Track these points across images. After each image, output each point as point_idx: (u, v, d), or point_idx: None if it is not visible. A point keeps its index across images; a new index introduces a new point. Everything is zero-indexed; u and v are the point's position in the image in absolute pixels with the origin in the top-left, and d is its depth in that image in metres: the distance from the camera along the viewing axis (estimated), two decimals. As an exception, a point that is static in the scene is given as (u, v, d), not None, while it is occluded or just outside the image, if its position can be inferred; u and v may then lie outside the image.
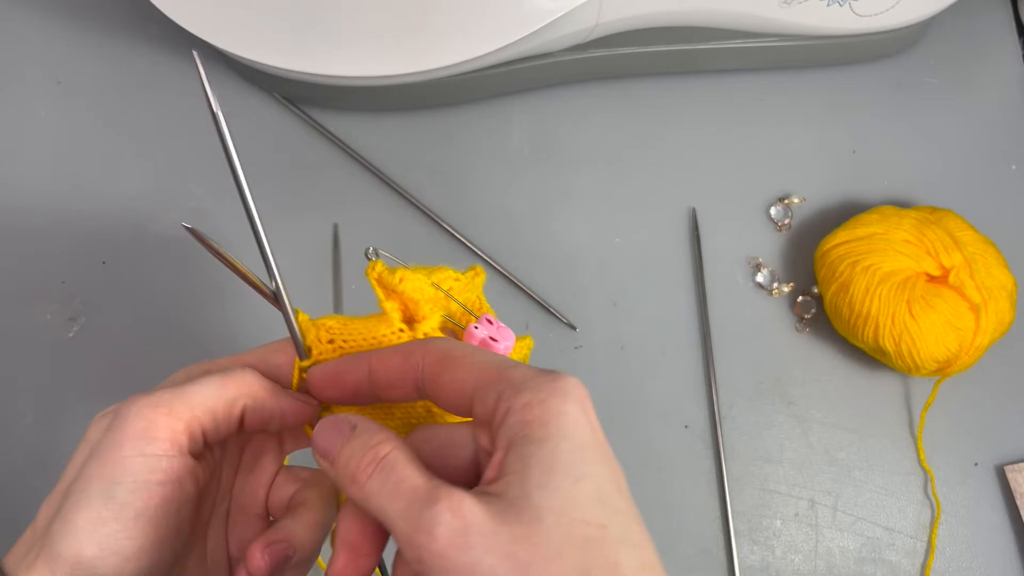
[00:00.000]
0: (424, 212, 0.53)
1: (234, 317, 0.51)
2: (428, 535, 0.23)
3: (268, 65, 0.48)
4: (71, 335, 0.51)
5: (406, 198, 0.53)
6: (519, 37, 0.46)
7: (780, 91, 0.57)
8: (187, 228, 0.30)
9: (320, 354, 0.32)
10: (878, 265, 0.48)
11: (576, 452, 0.24)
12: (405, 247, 0.53)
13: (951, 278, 0.48)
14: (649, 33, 0.51)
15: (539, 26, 0.46)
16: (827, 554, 0.49)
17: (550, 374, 0.25)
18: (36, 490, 0.29)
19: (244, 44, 0.47)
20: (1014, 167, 0.56)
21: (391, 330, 0.32)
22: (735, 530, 0.49)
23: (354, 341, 0.32)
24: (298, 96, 0.54)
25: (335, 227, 0.51)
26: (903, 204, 0.54)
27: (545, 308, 0.52)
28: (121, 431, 0.27)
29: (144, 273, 0.52)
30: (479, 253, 0.52)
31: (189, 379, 0.30)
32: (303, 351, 0.32)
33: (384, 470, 0.25)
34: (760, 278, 0.53)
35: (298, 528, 0.30)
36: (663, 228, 0.54)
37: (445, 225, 0.53)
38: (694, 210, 0.54)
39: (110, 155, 0.54)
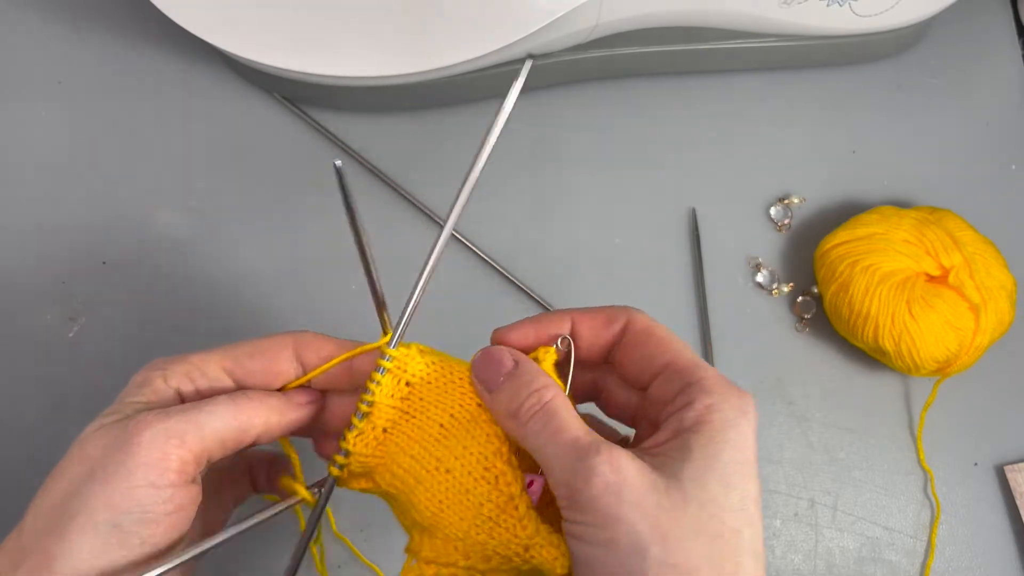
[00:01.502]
0: (424, 212, 0.53)
1: (234, 317, 0.52)
2: (585, 481, 0.25)
3: (268, 65, 0.48)
4: (71, 335, 0.51)
5: (406, 198, 0.53)
6: (519, 37, 0.46)
7: (780, 91, 0.57)
8: (336, 168, 0.31)
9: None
10: (878, 265, 0.48)
11: (733, 465, 0.27)
12: (405, 247, 0.53)
13: (951, 278, 0.48)
14: (649, 33, 0.51)
15: (539, 26, 0.46)
16: (827, 554, 0.49)
17: (736, 389, 0.28)
18: (36, 490, 0.29)
19: (244, 44, 0.47)
20: (1014, 167, 0.56)
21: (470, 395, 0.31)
22: (735, 530, 0.49)
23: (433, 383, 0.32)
24: (298, 96, 0.54)
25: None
26: (903, 204, 0.54)
27: (545, 308, 0.52)
28: (133, 458, 0.27)
29: (144, 273, 0.52)
30: (479, 253, 0.52)
31: (196, 399, 0.30)
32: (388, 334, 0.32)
33: (547, 414, 0.28)
34: (760, 278, 0.53)
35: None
36: (663, 228, 0.54)
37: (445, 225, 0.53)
38: (694, 210, 0.54)
39: (110, 155, 0.54)
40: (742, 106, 0.57)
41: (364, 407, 0.31)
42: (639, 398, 0.32)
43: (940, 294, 0.47)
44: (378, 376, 0.31)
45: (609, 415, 0.34)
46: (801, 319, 0.53)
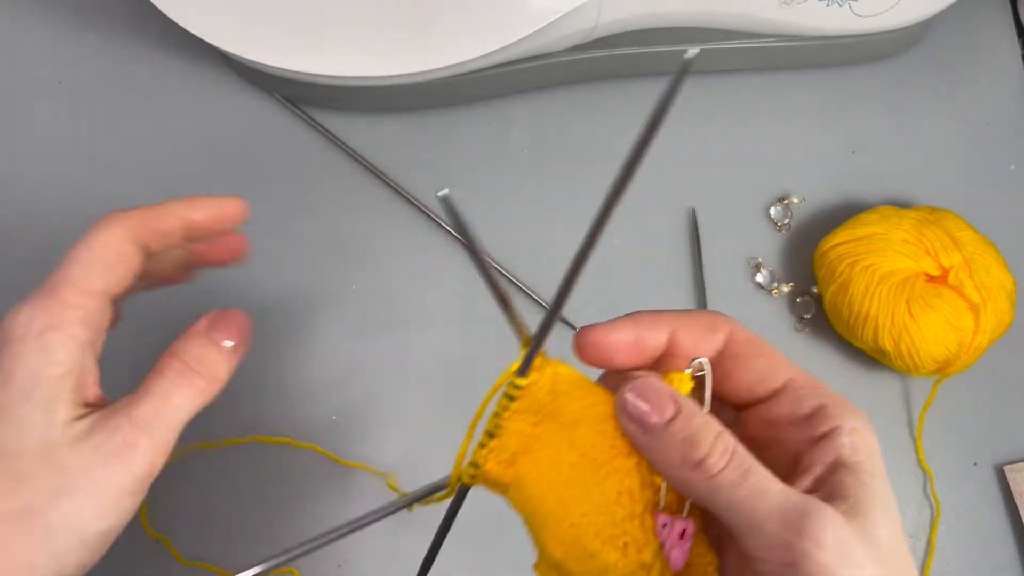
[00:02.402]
0: (424, 212, 0.53)
1: (234, 317, 0.51)
2: (815, 543, 0.23)
3: (268, 65, 0.48)
4: (71, 335, 0.51)
5: (406, 198, 0.53)
6: (519, 37, 0.46)
7: (780, 91, 0.57)
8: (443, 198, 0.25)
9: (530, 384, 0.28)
10: (877, 265, 0.48)
11: (891, 493, 0.26)
12: (405, 247, 0.53)
13: (950, 278, 0.48)
14: (649, 33, 0.51)
15: (539, 26, 0.46)
16: (827, 554, 0.49)
17: (854, 404, 0.27)
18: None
19: (244, 44, 0.47)
20: (1014, 167, 0.56)
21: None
22: (735, 530, 0.49)
23: (570, 398, 0.28)
24: (298, 96, 0.54)
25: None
26: (903, 204, 0.54)
27: (545, 308, 0.52)
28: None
29: (144, 273, 0.52)
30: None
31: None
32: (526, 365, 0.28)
33: (743, 466, 0.25)
34: (760, 278, 0.53)
35: None
36: (663, 228, 0.54)
37: (445, 225, 0.53)
38: (694, 210, 0.54)
39: (110, 155, 0.54)
40: (742, 106, 0.57)
41: (492, 429, 0.28)
42: (729, 415, 0.29)
43: (940, 294, 0.47)
44: (507, 403, 0.27)
45: None
46: (801, 319, 0.53)
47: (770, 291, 0.53)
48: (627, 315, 0.28)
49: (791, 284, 0.53)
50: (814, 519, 0.23)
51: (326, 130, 0.54)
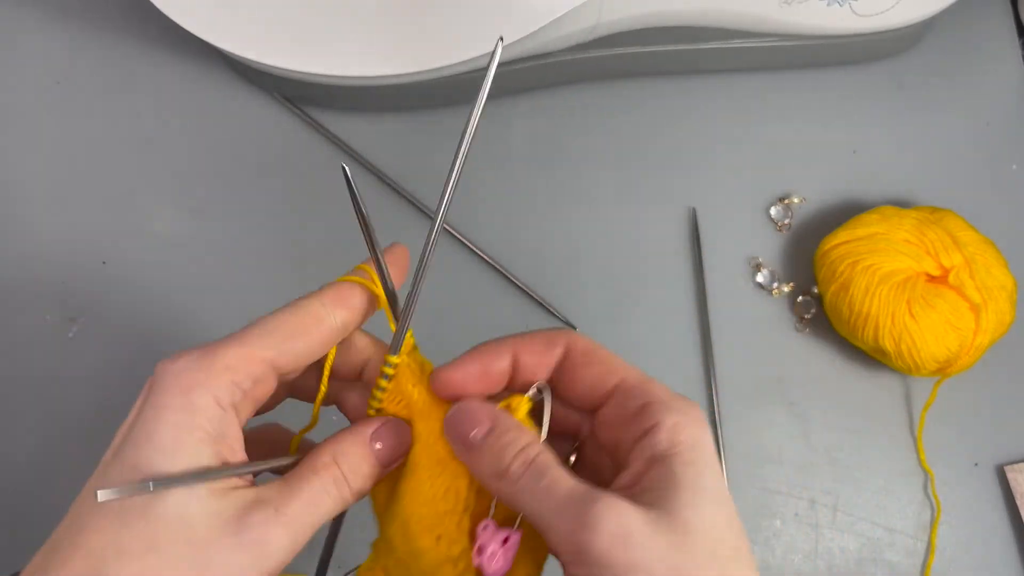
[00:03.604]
0: (424, 212, 0.53)
1: (234, 317, 0.51)
2: (592, 532, 0.25)
3: (268, 65, 0.48)
4: (71, 335, 0.51)
5: (406, 198, 0.53)
6: (519, 37, 0.46)
7: (780, 91, 0.57)
8: (344, 169, 0.30)
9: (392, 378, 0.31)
10: (878, 265, 0.48)
11: (716, 480, 0.27)
12: (405, 247, 0.53)
13: (951, 278, 0.48)
14: (649, 33, 0.51)
15: (539, 26, 0.46)
16: (827, 554, 0.49)
17: (686, 399, 0.28)
18: (36, 490, 0.29)
19: (244, 44, 0.47)
20: (1014, 167, 0.56)
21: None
22: (735, 530, 0.49)
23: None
24: (298, 96, 0.54)
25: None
26: (903, 204, 0.54)
27: (545, 308, 0.52)
28: None
29: (144, 273, 0.52)
30: (479, 253, 0.52)
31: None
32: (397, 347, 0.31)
33: (537, 471, 0.27)
34: (760, 278, 0.53)
35: None
36: (663, 228, 0.54)
37: (445, 225, 0.53)
38: (694, 210, 0.54)
39: (110, 155, 0.54)
40: (742, 106, 0.57)
41: (375, 405, 0.31)
42: (587, 421, 0.31)
43: (940, 294, 0.47)
44: (384, 383, 0.30)
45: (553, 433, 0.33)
46: (801, 319, 0.53)
47: (770, 291, 0.53)
48: (473, 349, 0.31)
49: (792, 284, 0.53)
50: (592, 509, 0.25)
51: (326, 130, 0.54)
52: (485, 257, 0.52)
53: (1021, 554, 0.50)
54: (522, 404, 0.30)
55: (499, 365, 0.30)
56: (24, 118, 0.54)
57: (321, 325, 0.29)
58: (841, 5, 0.50)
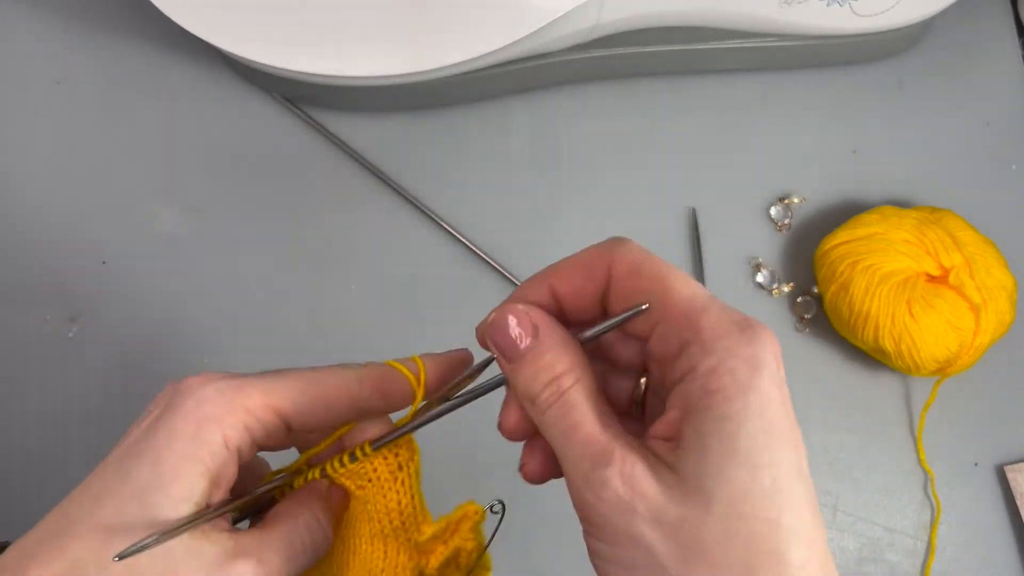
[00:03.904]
0: (424, 212, 0.53)
1: (234, 317, 0.51)
2: (596, 495, 0.23)
3: (268, 65, 0.48)
4: (71, 335, 0.51)
5: (406, 198, 0.53)
6: (519, 37, 0.46)
7: (780, 91, 0.57)
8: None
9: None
10: (878, 265, 0.48)
11: (759, 436, 0.22)
12: (405, 247, 0.53)
13: (951, 278, 0.48)
14: (649, 33, 0.51)
15: (539, 26, 0.46)
16: (827, 554, 0.49)
17: (745, 331, 0.23)
18: (36, 490, 0.29)
19: (244, 44, 0.47)
20: (1014, 167, 0.56)
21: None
22: (735, 530, 0.49)
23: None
24: (298, 96, 0.54)
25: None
26: (903, 204, 0.54)
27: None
28: None
29: (144, 273, 0.52)
30: (479, 253, 0.52)
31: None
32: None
33: (563, 407, 0.24)
34: (760, 278, 0.53)
35: None
36: (663, 228, 0.54)
37: (445, 225, 0.53)
38: (694, 210, 0.54)
39: (110, 155, 0.54)
40: (742, 106, 0.57)
41: (328, 471, 0.30)
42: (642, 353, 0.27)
43: (940, 294, 0.47)
44: (348, 460, 0.29)
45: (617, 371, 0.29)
46: (801, 319, 0.53)
47: (770, 291, 0.53)
48: (513, 294, 0.28)
49: (791, 284, 0.53)
50: (600, 469, 0.23)
51: (326, 130, 0.54)
52: (485, 257, 0.52)
53: (1021, 554, 0.50)
54: None
55: (538, 300, 0.27)
56: (24, 118, 0.54)
57: (351, 407, 0.28)
58: (841, 5, 0.50)
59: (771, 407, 0.23)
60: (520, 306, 0.26)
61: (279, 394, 0.27)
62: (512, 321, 0.26)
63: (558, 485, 0.26)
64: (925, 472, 0.50)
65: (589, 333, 0.26)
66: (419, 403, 0.29)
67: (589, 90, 0.56)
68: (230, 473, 0.27)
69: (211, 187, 0.53)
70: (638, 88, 0.56)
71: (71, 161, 0.53)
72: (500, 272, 0.52)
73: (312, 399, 0.28)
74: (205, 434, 0.26)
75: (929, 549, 0.49)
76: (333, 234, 0.53)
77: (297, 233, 0.53)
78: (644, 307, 0.25)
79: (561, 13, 0.45)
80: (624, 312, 0.25)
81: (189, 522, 0.26)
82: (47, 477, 0.48)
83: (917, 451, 0.51)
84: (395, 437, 0.29)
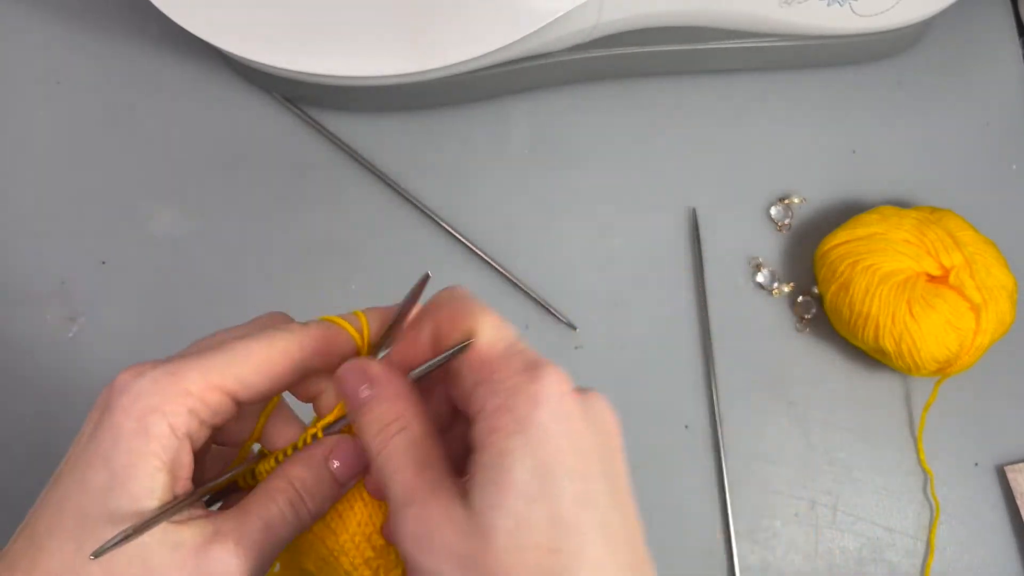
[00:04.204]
0: (424, 212, 0.53)
1: (234, 317, 0.51)
2: (400, 534, 0.25)
3: (268, 65, 0.48)
4: (71, 335, 0.51)
5: (406, 198, 0.53)
6: (519, 37, 0.46)
7: (780, 91, 0.57)
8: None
9: None
10: (878, 265, 0.48)
11: (538, 469, 0.23)
12: (405, 247, 0.53)
13: (951, 278, 0.48)
14: (649, 33, 0.51)
15: (539, 26, 0.46)
16: (827, 554, 0.49)
17: (530, 371, 0.25)
18: (36, 490, 0.29)
19: (244, 44, 0.47)
20: (1014, 167, 0.56)
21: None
22: (735, 530, 0.49)
23: None
24: (298, 96, 0.54)
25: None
26: (903, 204, 0.54)
27: (545, 308, 0.52)
28: None
29: (144, 273, 0.52)
30: (479, 253, 0.52)
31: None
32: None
33: (388, 454, 0.26)
34: (760, 278, 0.53)
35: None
36: (663, 228, 0.54)
37: (445, 225, 0.53)
38: (694, 210, 0.54)
39: (110, 155, 0.54)
40: (742, 106, 0.57)
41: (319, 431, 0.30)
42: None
43: (941, 294, 0.47)
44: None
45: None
46: (801, 319, 0.53)
47: (770, 291, 0.53)
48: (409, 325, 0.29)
49: (792, 284, 0.53)
50: (402, 512, 0.25)
51: (326, 130, 0.54)
52: (485, 257, 0.52)
53: (1021, 554, 0.50)
54: None
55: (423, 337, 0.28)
56: (24, 117, 0.54)
57: (290, 364, 0.28)
58: (841, 5, 0.50)
59: (551, 440, 0.24)
60: (360, 361, 0.28)
61: (218, 371, 0.27)
62: (352, 375, 0.28)
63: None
64: (925, 472, 0.50)
65: (416, 372, 0.28)
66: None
67: (589, 90, 0.56)
68: (186, 460, 0.27)
69: (211, 187, 0.53)
70: (638, 88, 0.56)
71: (71, 161, 0.53)
72: (500, 272, 0.52)
73: (254, 369, 0.27)
74: (150, 427, 0.26)
75: (929, 549, 0.49)
76: (333, 234, 0.53)
77: (297, 233, 0.53)
78: (467, 343, 0.26)
79: (561, 13, 0.45)
80: (448, 350, 0.26)
81: (161, 513, 0.25)
82: (47, 477, 0.48)
83: (917, 451, 0.51)
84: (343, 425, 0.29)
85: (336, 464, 0.29)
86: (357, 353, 0.30)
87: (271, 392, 0.28)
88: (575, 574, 0.23)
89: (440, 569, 0.23)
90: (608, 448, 0.25)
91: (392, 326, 0.30)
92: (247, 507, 0.27)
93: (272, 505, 0.28)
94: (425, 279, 0.29)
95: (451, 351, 0.26)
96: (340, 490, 0.29)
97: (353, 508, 0.29)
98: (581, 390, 0.26)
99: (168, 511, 0.26)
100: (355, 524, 0.29)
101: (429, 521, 0.24)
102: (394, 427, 0.26)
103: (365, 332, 0.30)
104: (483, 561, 0.23)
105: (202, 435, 0.27)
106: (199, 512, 0.27)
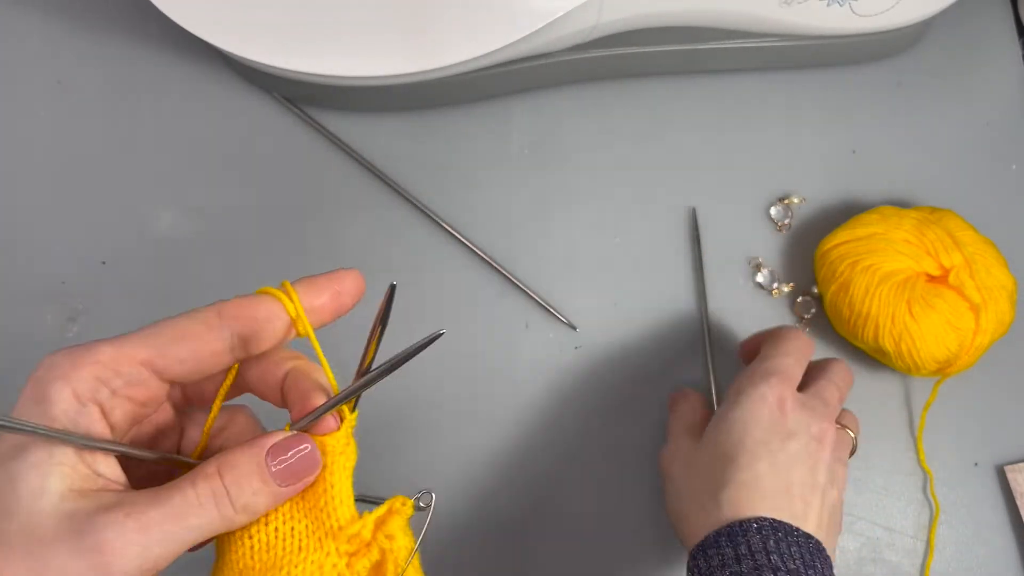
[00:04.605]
0: (424, 212, 0.53)
1: (234, 317, 0.51)
2: None
3: (268, 65, 0.48)
4: (71, 335, 0.51)
5: (406, 198, 0.53)
6: (519, 37, 0.46)
7: (780, 91, 0.57)
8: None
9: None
10: (878, 265, 0.48)
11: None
12: (405, 247, 0.53)
13: (951, 278, 0.48)
14: (649, 33, 0.51)
15: (539, 26, 0.46)
16: (827, 554, 0.49)
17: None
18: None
19: (244, 44, 0.47)
20: (1014, 167, 0.56)
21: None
22: (735, 530, 0.49)
23: None
24: (298, 96, 0.54)
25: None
26: (903, 204, 0.54)
27: (545, 308, 0.52)
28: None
29: (144, 273, 0.52)
30: (479, 253, 0.52)
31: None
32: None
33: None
34: (760, 278, 0.53)
35: None
36: (663, 228, 0.54)
37: (445, 225, 0.53)
38: (694, 210, 0.54)
39: (110, 155, 0.54)
40: (742, 106, 0.57)
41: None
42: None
43: (940, 294, 0.47)
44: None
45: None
46: (801, 319, 0.53)
47: (770, 291, 0.53)
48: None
49: (791, 284, 0.53)
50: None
51: (326, 130, 0.54)
52: (485, 257, 0.52)
53: (1021, 554, 0.50)
54: (406, 508, 0.30)
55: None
56: (25, 118, 0.54)
57: (210, 333, 0.28)
58: (841, 5, 0.50)
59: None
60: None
61: (133, 342, 0.27)
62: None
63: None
64: (925, 472, 0.50)
65: (387, 363, 0.29)
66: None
67: (589, 90, 0.56)
68: (96, 430, 0.26)
69: (211, 187, 0.53)
70: (638, 88, 0.56)
71: (71, 161, 0.53)
72: (500, 272, 0.52)
73: (171, 339, 0.28)
74: (52, 393, 0.26)
75: (929, 549, 0.49)
76: (333, 234, 0.53)
77: (296, 233, 0.53)
78: (439, 333, 0.28)
79: (561, 13, 0.45)
80: (418, 342, 0.28)
81: (68, 436, 0.25)
82: None
83: (917, 451, 0.51)
84: (310, 421, 0.29)
85: (274, 465, 0.27)
86: (291, 322, 0.30)
87: (196, 360, 0.28)
88: None
89: None
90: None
91: (368, 342, 0.30)
92: (167, 486, 0.26)
93: (190, 490, 0.26)
94: (391, 290, 0.29)
95: (421, 343, 0.27)
96: (279, 492, 0.28)
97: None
98: None
99: (63, 433, 0.25)
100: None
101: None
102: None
103: (294, 296, 0.30)
104: None
105: (122, 409, 0.27)
106: (117, 486, 0.26)
